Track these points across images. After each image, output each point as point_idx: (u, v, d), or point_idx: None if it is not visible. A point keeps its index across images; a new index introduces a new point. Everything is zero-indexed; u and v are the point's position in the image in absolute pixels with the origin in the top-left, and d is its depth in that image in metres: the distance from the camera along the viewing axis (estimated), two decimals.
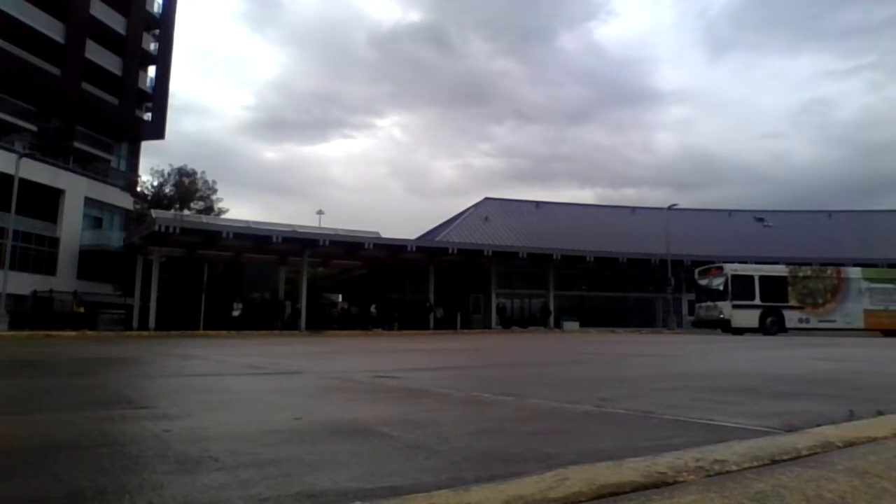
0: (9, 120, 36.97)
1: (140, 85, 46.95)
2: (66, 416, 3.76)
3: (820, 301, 28.25)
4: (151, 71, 49.26)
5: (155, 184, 55.81)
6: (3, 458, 2.54)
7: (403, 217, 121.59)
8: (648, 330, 37.74)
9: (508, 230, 46.25)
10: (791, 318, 27.47)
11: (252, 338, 16.46)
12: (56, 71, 38.94)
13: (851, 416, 3.35)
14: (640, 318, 43.27)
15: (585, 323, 41.05)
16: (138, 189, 49.08)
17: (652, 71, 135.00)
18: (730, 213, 56.03)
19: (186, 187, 54.75)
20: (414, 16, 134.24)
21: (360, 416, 3.77)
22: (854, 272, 29.49)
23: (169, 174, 59.16)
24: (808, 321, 27.56)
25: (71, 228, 40.31)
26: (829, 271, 29.35)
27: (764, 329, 26.82)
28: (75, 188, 39.75)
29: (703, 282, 29.74)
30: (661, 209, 45.19)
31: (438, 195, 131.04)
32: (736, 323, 27.06)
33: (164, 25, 50.15)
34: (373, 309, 37.27)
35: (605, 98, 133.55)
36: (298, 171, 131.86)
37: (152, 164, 68.26)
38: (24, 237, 35.74)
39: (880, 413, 3.44)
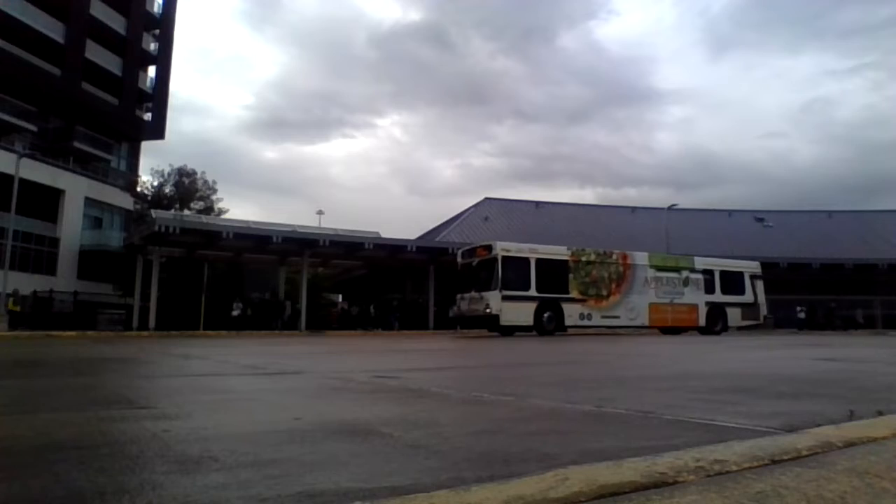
0: (9, 120, 37.04)
1: (140, 85, 47.06)
2: (65, 416, 3.76)
3: (604, 292, 23.59)
4: (151, 71, 49.41)
5: (155, 184, 55.73)
6: (3, 459, 2.53)
7: (403, 217, 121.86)
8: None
9: (508, 230, 46.24)
10: (571, 313, 22.64)
11: (252, 338, 16.46)
12: (56, 71, 39.01)
13: (852, 416, 3.34)
14: None
15: None
16: (138, 189, 49.10)
17: (652, 70, 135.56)
18: (730, 213, 56.07)
19: (186, 187, 54.72)
20: (414, 15, 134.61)
21: (361, 416, 3.76)
22: (640, 258, 25.18)
23: (169, 174, 59.11)
24: (589, 317, 23.02)
25: (71, 228, 40.38)
26: (614, 256, 24.66)
27: (540, 327, 21.92)
28: (75, 188, 39.79)
29: (467, 264, 23.59)
30: (660, 209, 45.26)
31: (438, 195, 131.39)
32: (506, 319, 21.39)
33: (164, 25, 50.23)
34: (372, 309, 37.27)
35: (606, 97, 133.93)
36: (298, 171, 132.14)
37: (152, 164, 68.51)
38: (24, 237, 35.78)
39: (880, 413, 3.44)
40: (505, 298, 21.35)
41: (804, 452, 2.29)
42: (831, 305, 41.62)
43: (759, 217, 54.11)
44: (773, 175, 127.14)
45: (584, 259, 23.83)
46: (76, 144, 41.35)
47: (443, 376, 6.95)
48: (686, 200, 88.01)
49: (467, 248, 24.68)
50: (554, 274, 22.88)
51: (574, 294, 22.98)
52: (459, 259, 24.20)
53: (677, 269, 25.83)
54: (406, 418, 3.62)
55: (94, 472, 2.25)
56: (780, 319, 44.03)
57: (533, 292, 22.00)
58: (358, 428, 3.24)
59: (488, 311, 21.32)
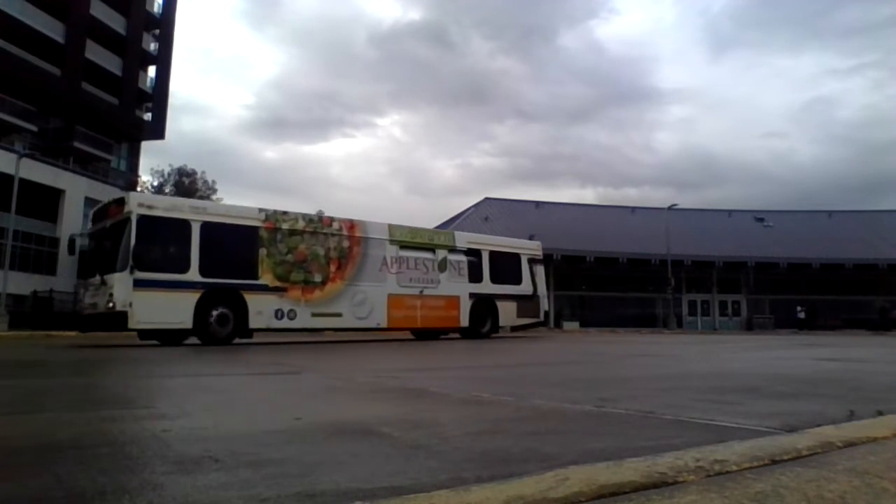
0: (9, 120, 37.01)
1: (140, 85, 47.03)
2: (65, 416, 3.76)
3: (317, 278, 16.31)
4: (151, 71, 49.37)
5: (155, 184, 56.07)
6: (3, 458, 2.54)
7: (403, 217, 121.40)
8: (648, 330, 37.79)
9: (508, 230, 46.08)
10: (262, 308, 15.21)
11: (252, 337, 16.43)
12: (56, 71, 38.99)
13: (851, 416, 3.35)
14: (640, 318, 43.34)
15: (585, 323, 41.09)
16: (138, 189, 49.07)
17: (653, 70, 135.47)
18: (730, 213, 56.03)
19: (186, 187, 54.88)
20: (414, 14, 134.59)
21: (361, 416, 3.77)
22: (377, 229, 17.95)
23: (169, 174, 59.47)
24: (292, 315, 15.72)
25: (71, 228, 40.12)
26: (335, 224, 17.18)
27: (205, 332, 14.32)
28: (75, 188, 39.71)
29: (97, 231, 15.34)
30: (661, 209, 45.28)
31: (439, 195, 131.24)
32: (142, 319, 13.59)
33: (164, 25, 50.21)
34: None
35: (607, 97, 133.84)
36: (298, 171, 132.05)
37: (152, 164, 68.36)
38: (24, 237, 35.73)
39: (880, 413, 3.44)
40: (140, 285, 13.60)
41: (804, 452, 2.29)
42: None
43: (759, 217, 54.11)
44: (774, 175, 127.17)
45: (285, 227, 16.13)
46: (76, 144, 41.32)
47: (443, 376, 6.95)
48: (687, 200, 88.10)
49: (99, 206, 16.27)
50: (233, 248, 15.46)
51: (267, 279, 15.43)
52: (90, 225, 16.38)
53: (431, 248, 18.97)
54: (406, 418, 3.62)
55: (95, 472, 2.24)
56: (780, 320, 44.18)
57: (194, 275, 14.26)
58: (358, 428, 3.25)
59: (111, 305, 13.48)
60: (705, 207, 59.40)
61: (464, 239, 20.47)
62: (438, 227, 50.17)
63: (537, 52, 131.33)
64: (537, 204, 53.63)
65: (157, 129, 49.57)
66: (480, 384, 5.95)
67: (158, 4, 49.73)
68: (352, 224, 17.45)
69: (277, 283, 15.62)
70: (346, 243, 17.17)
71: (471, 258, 19.82)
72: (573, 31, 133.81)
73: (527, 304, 21.06)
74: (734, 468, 2.05)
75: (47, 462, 2.45)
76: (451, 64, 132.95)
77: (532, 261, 21.87)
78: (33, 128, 38.78)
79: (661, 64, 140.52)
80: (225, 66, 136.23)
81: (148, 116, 49.23)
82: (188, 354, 10.85)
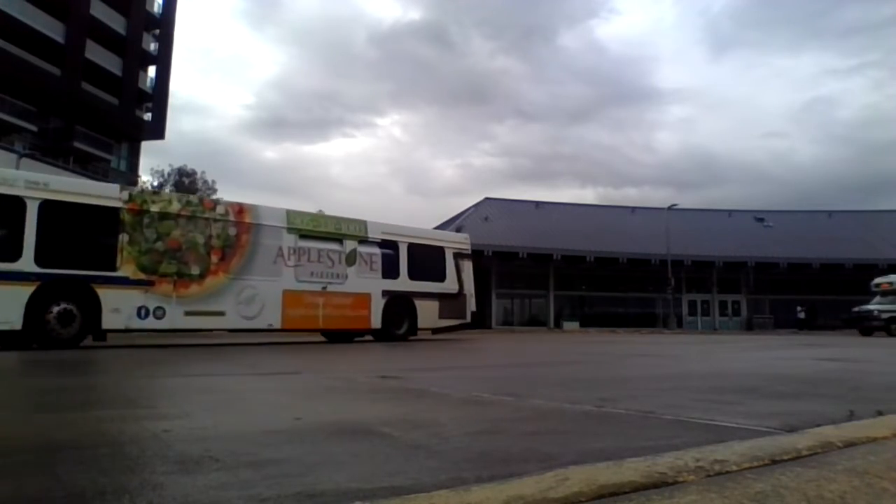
0: (9, 120, 37.00)
1: (140, 85, 47.03)
2: (65, 416, 3.76)
3: (195, 270, 14.05)
4: (151, 71, 49.36)
5: (155, 184, 55.99)
6: (3, 458, 2.54)
7: (404, 217, 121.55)
8: (648, 330, 37.80)
9: (508, 230, 46.22)
10: (120, 304, 12.81)
11: (251, 338, 16.44)
12: (56, 71, 38.98)
13: (851, 416, 3.35)
14: (640, 318, 43.37)
15: (585, 323, 41.13)
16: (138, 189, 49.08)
17: (653, 69, 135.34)
18: (730, 213, 56.06)
19: (186, 187, 54.85)
20: (414, 14, 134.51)
21: (361, 416, 3.77)
22: (272, 215, 15.75)
23: (169, 174, 59.46)
24: (161, 313, 13.37)
25: None
26: (219, 208, 14.99)
27: (42, 333, 12.00)
28: None
29: None
30: (661, 209, 45.33)
31: (439, 195, 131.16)
32: None
33: (164, 25, 50.21)
34: None
35: (607, 97, 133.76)
36: (298, 171, 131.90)
37: (152, 164, 68.25)
38: None
39: (880, 413, 3.44)
40: None
41: (804, 452, 2.30)
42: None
43: (759, 217, 54.13)
44: (774, 175, 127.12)
45: (154, 209, 13.80)
46: (76, 144, 41.33)
47: (443, 376, 6.95)
48: (687, 200, 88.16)
49: None
50: (84, 233, 13.12)
51: (127, 271, 13.10)
52: None
53: (338, 238, 16.77)
54: (406, 418, 3.62)
55: (95, 472, 2.25)
56: (780, 320, 44.20)
57: (27, 265, 11.95)
58: (358, 428, 3.25)
59: None
60: (705, 207, 59.45)
61: (377, 229, 17.91)
62: (437, 227, 50.19)
63: (537, 52, 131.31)
64: (537, 204, 53.64)
65: (157, 129, 49.59)
66: (480, 384, 5.96)
67: (158, 4, 49.74)
68: (240, 208, 15.26)
69: (142, 276, 13.25)
70: (232, 230, 14.81)
71: (386, 251, 17.67)
72: (573, 31, 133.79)
73: (451, 303, 18.95)
74: (734, 468, 2.05)
75: (47, 462, 2.45)
76: (451, 64, 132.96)
77: (458, 255, 19.69)
78: (33, 128, 38.78)
79: (661, 64, 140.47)
80: (225, 66, 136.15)
81: (148, 116, 49.25)
82: (186, 355, 10.85)
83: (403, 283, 17.72)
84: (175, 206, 14.16)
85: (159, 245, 13.66)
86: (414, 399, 4.64)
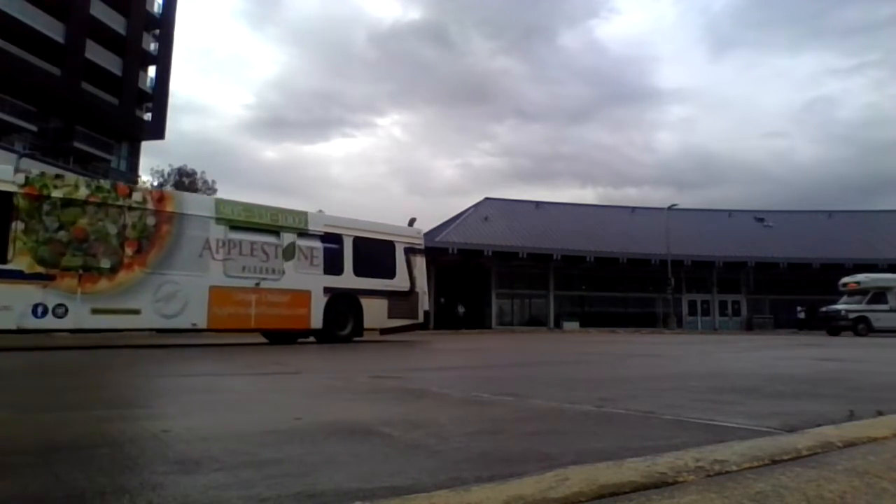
0: (9, 120, 37.01)
1: (140, 85, 47.05)
2: (65, 416, 3.76)
3: (105, 264, 12.67)
4: (151, 71, 49.36)
5: (155, 184, 56.02)
6: (3, 458, 2.54)
7: (403, 217, 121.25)
8: (648, 330, 37.80)
9: (508, 230, 46.25)
10: (11, 301, 11.57)
11: (251, 338, 16.43)
12: (56, 71, 39.00)
13: (851, 416, 3.35)
14: (640, 318, 43.39)
15: (585, 323, 41.14)
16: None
17: (653, 69, 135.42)
18: (730, 213, 56.07)
19: (186, 187, 54.86)
20: (414, 14, 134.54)
21: (361, 416, 3.77)
22: (199, 204, 14.86)
23: (169, 174, 59.60)
24: (62, 311, 12.05)
25: None
26: (136, 195, 13.57)
27: None
28: None
29: None
30: (661, 209, 45.36)
31: (439, 195, 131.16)
32: None
33: (164, 25, 50.23)
34: None
35: (607, 97, 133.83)
36: (298, 171, 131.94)
37: (152, 164, 68.37)
38: None
39: (880, 413, 3.44)
40: None
41: (804, 452, 2.30)
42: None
43: (759, 217, 54.14)
44: (774, 175, 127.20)
45: (56, 195, 12.39)
46: (76, 144, 41.36)
47: (442, 376, 6.95)
48: (687, 200, 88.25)
49: None
50: None
51: (21, 263, 11.78)
52: None
53: (274, 231, 15.47)
54: (406, 418, 3.62)
55: (94, 472, 2.25)
56: (780, 320, 44.21)
57: None
58: (358, 428, 3.25)
59: None
60: (705, 207, 59.46)
61: (319, 221, 16.61)
62: (438, 227, 50.06)
63: (537, 52, 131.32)
64: (537, 204, 53.64)
65: (157, 129, 49.60)
66: (480, 384, 5.96)
67: (158, 4, 49.75)
68: (161, 196, 14.28)
69: (40, 269, 11.86)
70: (151, 220, 13.37)
71: (329, 245, 16.29)
72: (573, 31, 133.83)
73: (401, 302, 17.64)
74: (734, 468, 2.05)
75: (47, 462, 2.45)
76: (451, 64, 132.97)
77: (410, 250, 18.36)
78: (33, 128, 38.79)
79: (661, 63, 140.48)
80: (225, 65, 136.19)
81: (148, 116, 49.26)
82: (186, 355, 10.86)
83: (348, 280, 16.43)
84: (82, 192, 12.66)
85: (62, 235, 12.26)
86: (414, 399, 4.64)
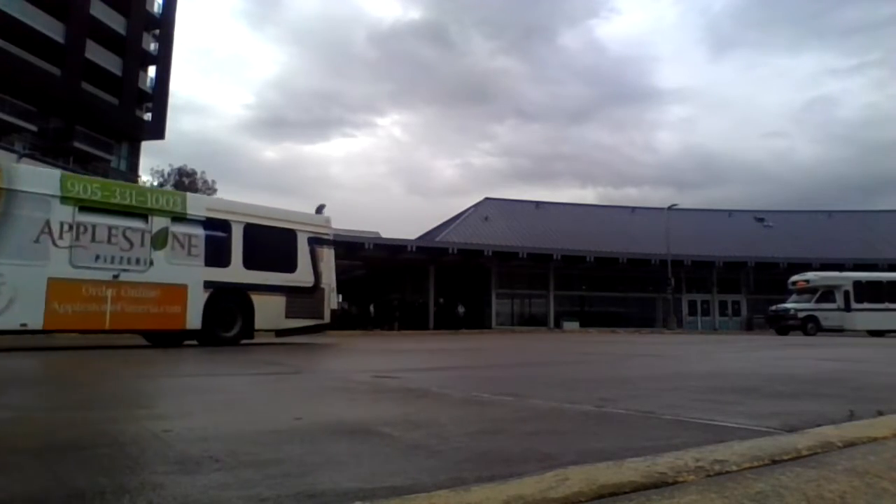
0: (9, 120, 37.02)
1: (140, 85, 47.09)
2: (65, 415, 3.76)
3: None
4: (151, 71, 49.39)
5: (155, 184, 56.04)
6: (3, 458, 2.54)
7: (403, 217, 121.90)
8: (648, 330, 37.80)
9: (508, 230, 46.29)
10: None
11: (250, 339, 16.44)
12: (56, 71, 39.02)
13: (851, 417, 3.35)
14: (640, 318, 43.40)
15: (585, 323, 41.13)
16: None
17: (654, 69, 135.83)
18: (730, 213, 56.11)
19: (186, 187, 54.86)
20: (414, 13, 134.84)
21: (361, 416, 3.77)
22: (38, 179, 12.09)
23: (169, 174, 59.65)
24: None
25: None
26: None
27: None
28: None
29: None
30: (661, 209, 45.36)
31: (439, 195, 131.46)
32: None
33: (164, 25, 50.26)
34: (372, 309, 37.34)
35: (607, 97, 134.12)
36: (298, 171, 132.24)
37: (152, 164, 68.50)
38: None
39: (880, 413, 3.44)
40: None
41: (804, 452, 2.30)
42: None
43: (759, 217, 54.15)
44: (774, 175, 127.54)
45: None
46: (76, 144, 41.38)
47: (443, 376, 6.95)
48: (687, 200, 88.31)
49: None
50: None
51: None
52: None
53: (141, 214, 13.05)
54: (406, 418, 3.62)
55: (95, 472, 2.25)
56: None
57: None
58: (358, 428, 3.25)
59: None
60: (705, 207, 59.49)
61: (200, 204, 14.36)
62: (438, 226, 50.00)
63: (537, 52, 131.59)
64: (537, 204, 53.68)
65: (156, 129, 49.62)
66: (481, 384, 5.96)
67: (158, 4, 49.78)
68: None
69: None
70: None
71: (212, 232, 13.93)
72: (573, 31, 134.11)
73: (303, 299, 15.38)
74: (734, 468, 2.05)
75: (47, 462, 2.45)
76: (451, 64, 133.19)
77: (316, 241, 16.11)
78: (33, 128, 38.80)
79: (661, 63, 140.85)
80: (225, 65, 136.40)
81: (148, 116, 49.28)
82: (186, 355, 10.86)
83: (236, 273, 14.06)
84: None
85: None
86: (414, 399, 4.64)
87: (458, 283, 40.65)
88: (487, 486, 1.84)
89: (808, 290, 30.66)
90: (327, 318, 16.16)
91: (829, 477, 1.95)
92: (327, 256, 16.48)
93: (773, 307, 31.53)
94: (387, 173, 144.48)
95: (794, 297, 31.37)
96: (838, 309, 29.38)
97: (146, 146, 50.54)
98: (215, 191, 59.41)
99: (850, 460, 2.18)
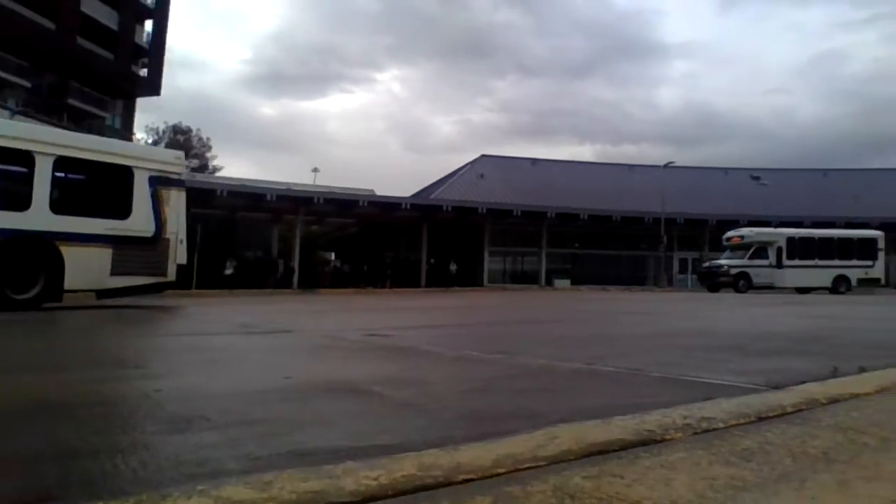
0: (2, 76, 36.44)
1: (136, 40, 46.21)
2: (57, 376, 3.77)
3: None
4: (148, 25, 48.39)
5: (150, 141, 55.55)
6: None
7: (400, 174, 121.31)
8: (639, 288, 37.96)
9: (504, 187, 46.09)
10: None
11: (245, 296, 16.46)
12: (51, 25, 38.16)
13: (835, 373, 3.38)
14: (631, 276, 43.48)
15: (577, 281, 41.23)
16: None
17: (659, 23, 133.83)
18: (726, 171, 55.96)
19: (181, 145, 54.40)
20: None
21: (351, 375, 3.79)
22: None
23: (163, 132, 59.06)
24: None
25: None
26: None
27: None
28: None
29: None
30: (658, 167, 45.20)
31: (436, 151, 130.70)
32: None
33: None
34: (365, 267, 37.42)
35: (610, 51, 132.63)
36: (296, 127, 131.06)
37: (148, 121, 67.70)
38: None
39: (863, 370, 3.48)
40: None
41: (789, 409, 2.32)
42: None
43: (755, 175, 54.06)
44: (775, 132, 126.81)
45: None
46: (70, 101, 40.77)
47: (434, 334, 6.99)
48: (686, 157, 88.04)
49: None
50: None
51: None
52: None
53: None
54: (396, 377, 3.65)
55: (87, 432, 2.26)
56: None
57: None
58: (348, 387, 3.26)
59: None
60: (703, 165, 59.30)
61: None
62: (433, 184, 49.74)
63: (541, 4, 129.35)
64: (534, 161, 53.41)
65: (152, 85, 48.80)
66: (472, 342, 5.99)
67: None
68: None
69: None
70: None
71: (5, 167, 11.30)
72: None
73: (139, 252, 12.10)
74: (721, 425, 2.08)
75: (39, 423, 2.46)
76: (452, 16, 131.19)
77: (161, 181, 12.62)
78: (27, 84, 38.18)
79: (667, 17, 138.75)
80: (222, 19, 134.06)
81: (144, 72, 48.46)
82: (172, 314, 10.87)
83: (38, 219, 10.93)
84: None
85: None
86: (404, 357, 4.67)
87: (452, 240, 40.60)
88: (477, 444, 1.85)
89: (742, 247, 30.05)
90: (171, 274, 12.68)
91: (813, 433, 1.97)
92: (176, 200, 12.86)
93: (707, 263, 30.91)
94: (384, 130, 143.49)
95: (727, 253, 30.88)
96: (770, 265, 28.92)
97: (141, 102, 49.90)
98: (210, 148, 59.01)
99: (834, 416, 2.21)
